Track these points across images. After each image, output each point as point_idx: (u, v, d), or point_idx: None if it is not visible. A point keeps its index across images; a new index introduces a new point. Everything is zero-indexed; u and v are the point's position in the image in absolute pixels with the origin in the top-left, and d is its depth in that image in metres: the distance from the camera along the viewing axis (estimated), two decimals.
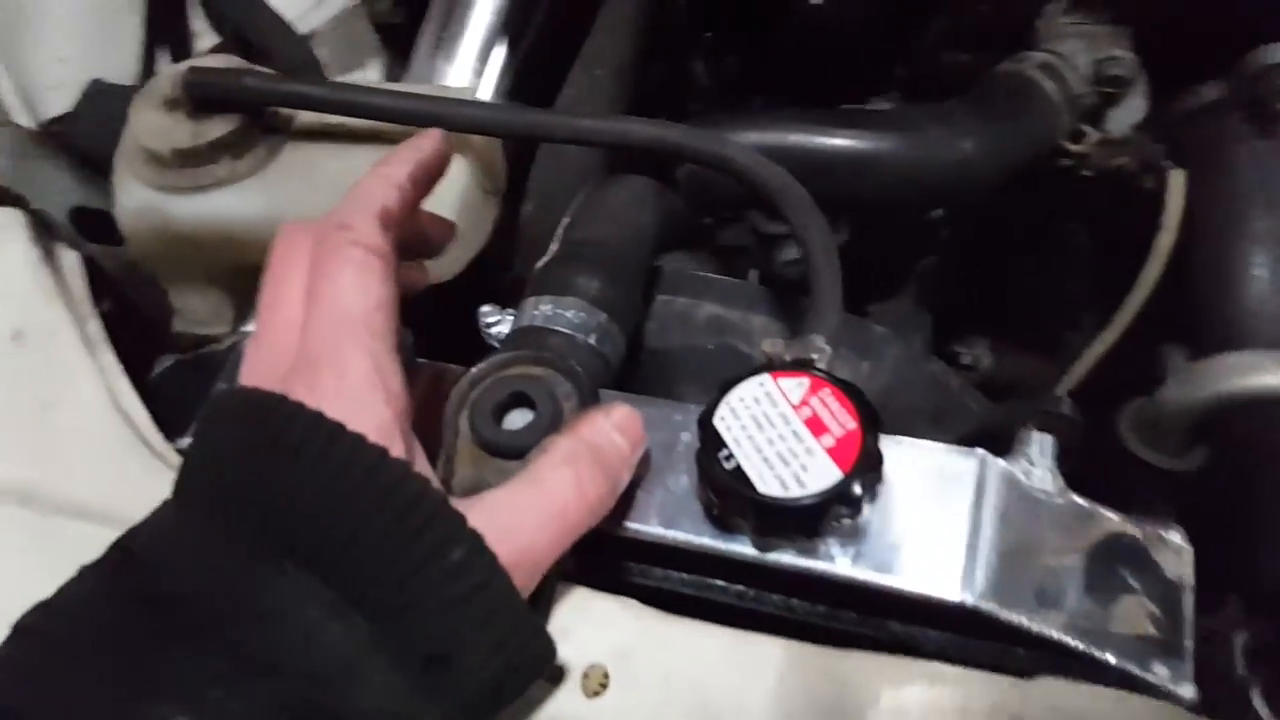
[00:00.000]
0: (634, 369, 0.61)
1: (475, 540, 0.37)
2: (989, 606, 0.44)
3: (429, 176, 0.47)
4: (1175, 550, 0.48)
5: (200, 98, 0.57)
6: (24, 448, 0.52)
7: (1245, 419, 0.52)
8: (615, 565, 0.49)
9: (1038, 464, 0.48)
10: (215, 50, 0.97)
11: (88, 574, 0.37)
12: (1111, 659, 0.44)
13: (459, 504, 0.38)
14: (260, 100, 0.57)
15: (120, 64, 0.99)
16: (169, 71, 0.60)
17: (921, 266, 0.84)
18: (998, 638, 0.45)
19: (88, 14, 1.00)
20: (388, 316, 0.41)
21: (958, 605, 0.44)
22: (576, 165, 0.74)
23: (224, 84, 0.57)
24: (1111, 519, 0.48)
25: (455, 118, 0.56)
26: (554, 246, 0.59)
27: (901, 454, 0.48)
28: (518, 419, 0.47)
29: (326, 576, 0.35)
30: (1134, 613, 0.46)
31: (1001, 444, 0.51)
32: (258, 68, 0.62)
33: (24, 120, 0.68)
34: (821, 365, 0.48)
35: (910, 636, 0.47)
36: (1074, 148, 0.65)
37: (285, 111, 0.60)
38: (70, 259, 0.61)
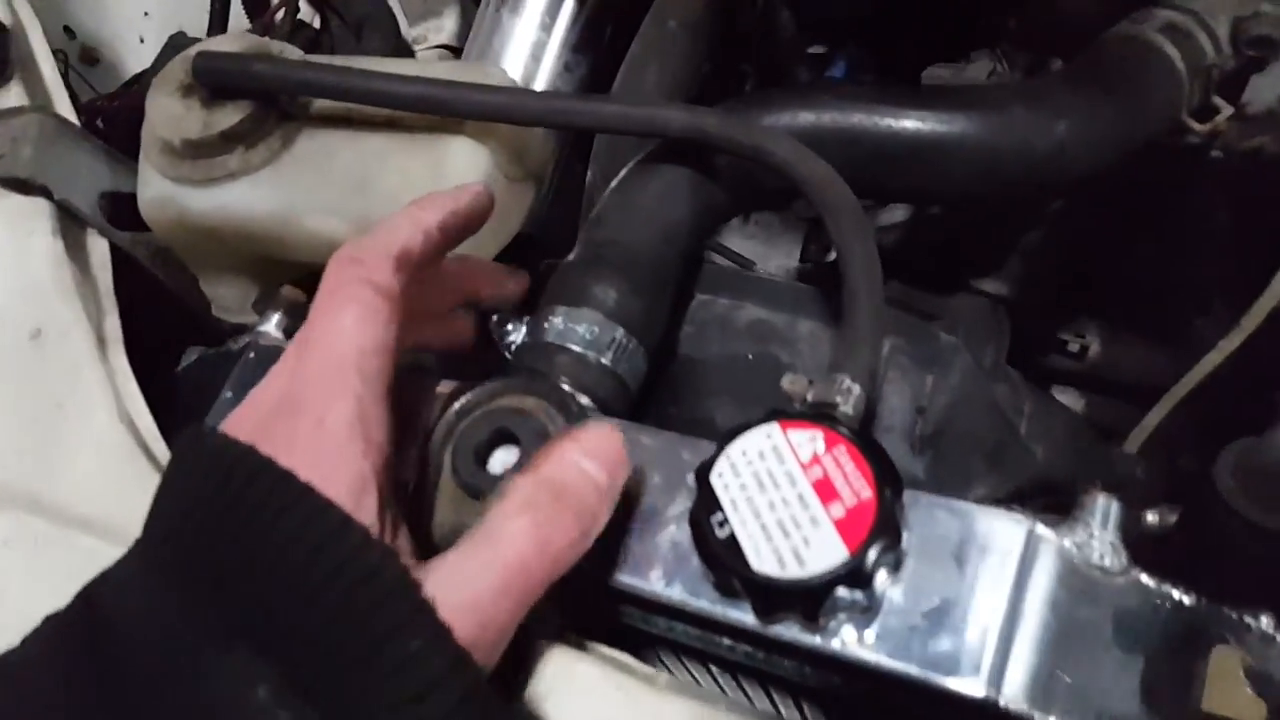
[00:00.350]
0: (663, 378, 0.56)
1: (435, 627, 0.33)
2: (1020, 707, 0.38)
3: (462, 227, 0.45)
4: (1261, 638, 0.40)
5: (211, 84, 0.54)
6: (35, 451, 0.53)
7: None
8: (614, 609, 0.45)
9: (1099, 535, 0.41)
10: (286, 2, 0.96)
11: (48, 627, 0.36)
12: None
13: (415, 571, 0.34)
14: (271, 87, 0.54)
15: (203, 17, 0.99)
16: (183, 55, 0.57)
17: (1024, 242, 0.75)
18: None
19: None
20: (384, 361, 0.39)
21: (982, 703, 0.38)
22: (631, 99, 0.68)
23: (233, 70, 0.54)
24: (1185, 602, 0.40)
25: (471, 105, 0.51)
26: (576, 247, 0.54)
27: (937, 516, 0.41)
28: (503, 459, 0.43)
29: (276, 659, 0.32)
30: (1199, 716, 0.39)
31: (1062, 498, 0.44)
32: (276, 44, 0.58)
33: (36, 38, 0.66)
34: (848, 410, 0.42)
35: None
36: (1199, 126, 0.55)
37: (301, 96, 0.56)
38: (99, 249, 0.60)
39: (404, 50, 0.93)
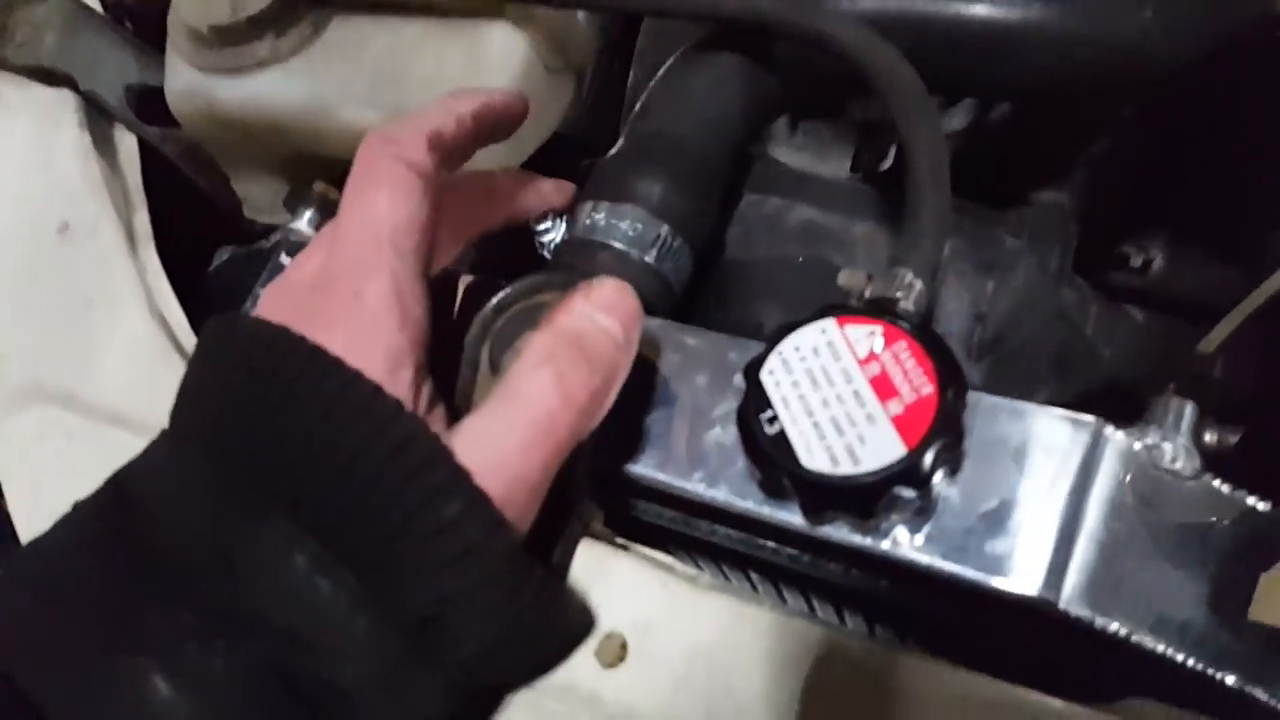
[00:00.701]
0: (709, 281, 0.54)
1: (474, 494, 0.32)
2: (1080, 610, 0.36)
3: (495, 121, 0.43)
4: None
5: None
6: (66, 348, 0.52)
7: None
8: (655, 512, 0.44)
9: (1171, 438, 0.39)
10: None
11: (80, 512, 0.35)
12: (1231, 680, 0.36)
13: (445, 438, 0.33)
14: None
15: None
16: None
17: (1088, 151, 0.71)
18: (1090, 645, 0.38)
19: None
20: (420, 239, 0.38)
21: (1037, 602, 0.37)
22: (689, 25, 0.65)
23: None
24: (1257, 508, 0.38)
25: None
26: (620, 141, 0.51)
27: (998, 416, 0.39)
28: None
29: (312, 528, 0.32)
30: (1270, 626, 0.37)
31: (1131, 403, 0.41)
32: None
33: None
34: (908, 306, 0.40)
35: (986, 628, 0.40)
36: None
37: None
38: (126, 144, 0.59)
39: None
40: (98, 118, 0.58)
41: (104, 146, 0.58)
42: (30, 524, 0.50)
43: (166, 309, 0.52)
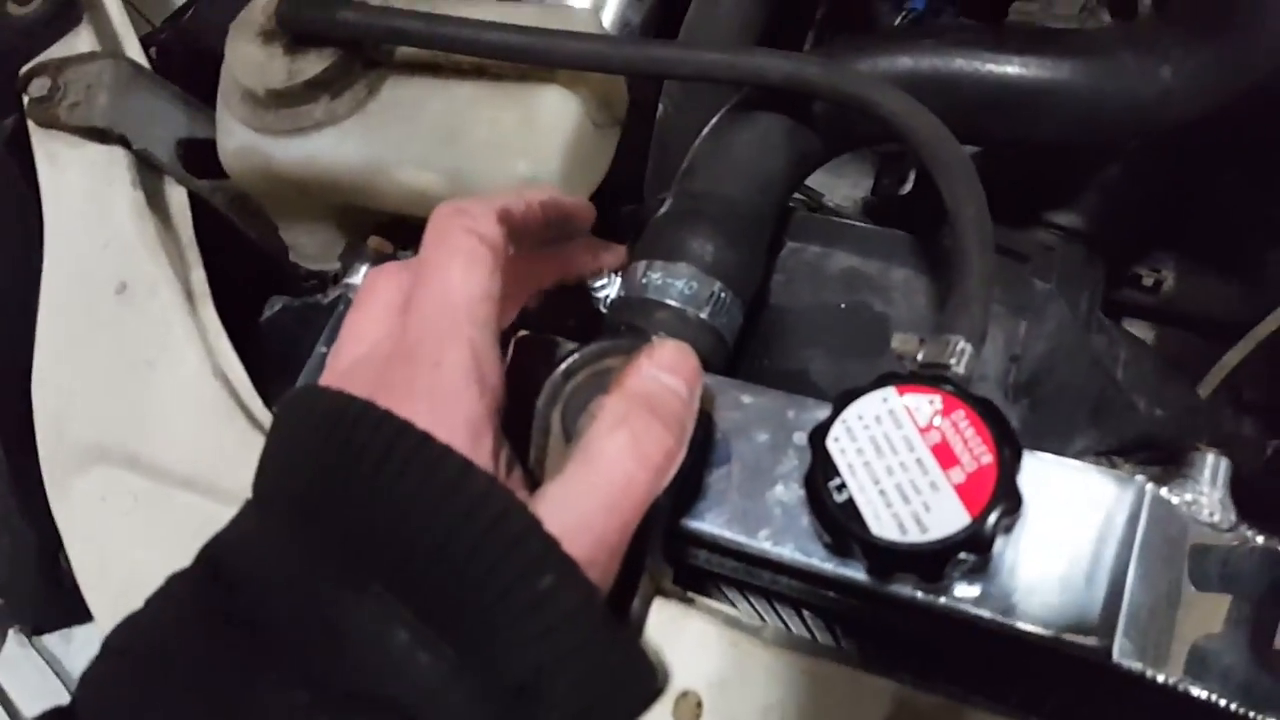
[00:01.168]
0: (754, 328, 0.56)
1: (566, 565, 0.34)
2: (1131, 661, 0.39)
3: (562, 218, 0.45)
4: None
5: (295, 31, 0.53)
6: (128, 409, 0.53)
7: None
8: (719, 564, 0.46)
9: (1208, 493, 0.42)
10: None
11: (175, 586, 0.37)
12: None
13: (529, 505, 0.35)
14: (357, 34, 0.53)
15: None
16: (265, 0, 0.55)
17: (1103, 176, 0.73)
18: (1141, 696, 0.40)
19: None
20: (492, 308, 0.39)
21: (1094, 652, 0.39)
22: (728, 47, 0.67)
23: (319, 17, 0.52)
24: None
25: (566, 53, 0.50)
26: (669, 199, 0.53)
27: (1046, 474, 0.42)
28: None
29: (410, 601, 0.34)
30: None
31: (1166, 455, 0.44)
32: None
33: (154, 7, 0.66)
34: (960, 370, 0.42)
35: (1043, 672, 0.43)
36: None
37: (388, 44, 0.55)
38: (177, 198, 0.60)
39: None
40: (149, 173, 0.60)
41: (156, 202, 0.59)
42: (98, 586, 0.52)
43: (229, 368, 0.54)
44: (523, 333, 0.51)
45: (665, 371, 0.39)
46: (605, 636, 0.36)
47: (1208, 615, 0.40)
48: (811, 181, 0.84)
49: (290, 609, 0.34)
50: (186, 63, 0.73)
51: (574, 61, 0.50)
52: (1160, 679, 0.39)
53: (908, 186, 0.79)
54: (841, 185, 0.88)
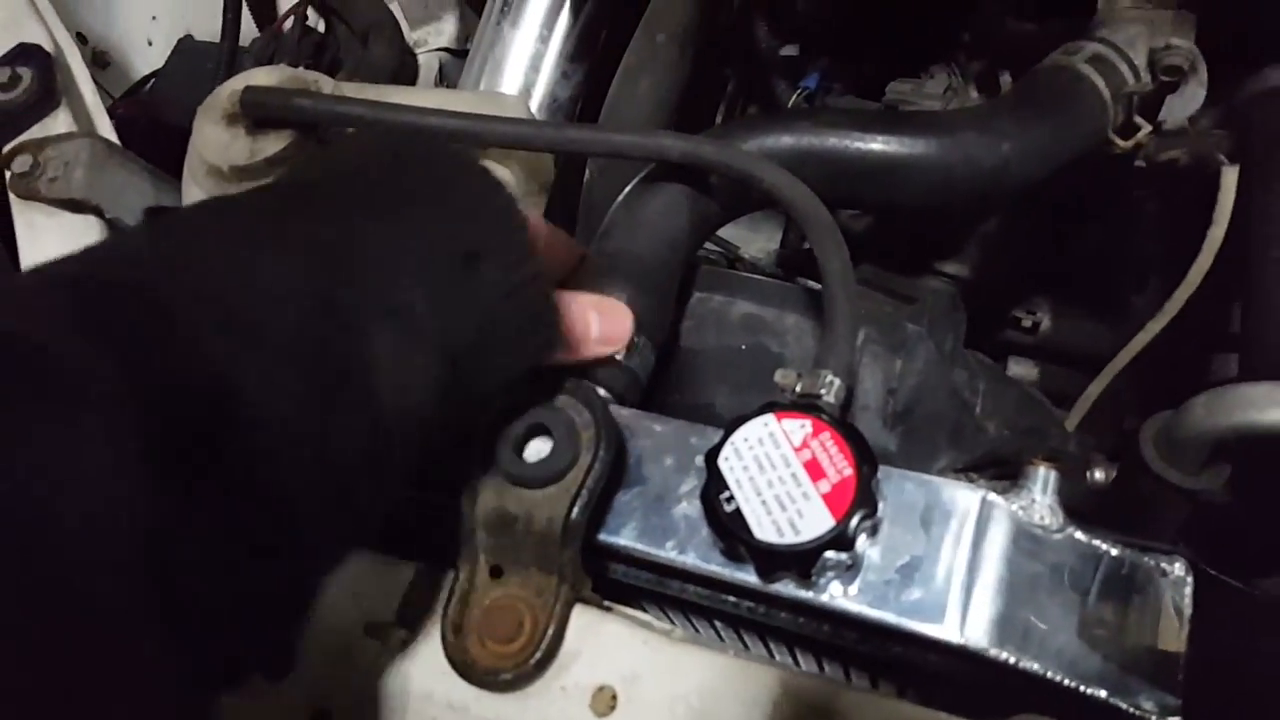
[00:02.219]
0: (667, 368, 0.63)
1: (502, 184, 0.45)
2: (978, 644, 0.46)
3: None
4: (1175, 582, 0.49)
5: (257, 116, 0.60)
6: None
7: (1260, 448, 0.52)
8: (633, 575, 0.53)
9: (1040, 500, 0.49)
10: (295, 10, 1.01)
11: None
12: (1102, 694, 0.46)
13: None
14: (313, 119, 0.60)
15: (210, 21, 1.04)
16: (228, 87, 0.62)
17: (982, 230, 0.83)
18: (992, 670, 0.47)
19: None
20: None
21: (948, 643, 0.46)
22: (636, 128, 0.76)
23: (279, 104, 0.59)
24: (1112, 553, 0.49)
25: (496, 135, 0.58)
26: (587, 258, 0.60)
27: (908, 488, 0.49)
28: (538, 448, 0.51)
29: (380, 186, 0.45)
30: (1128, 646, 0.48)
31: (1010, 470, 0.52)
32: (311, 75, 0.64)
33: (76, 63, 0.72)
34: (830, 400, 0.50)
35: (910, 658, 0.50)
36: (1123, 143, 0.63)
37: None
38: None
39: (408, 54, 0.99)
40: None
41: None
42: None
43: None
44: None
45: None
46: (530, 237, 0.45)
47: (1041, 603, 0.48)
48: (731, 236, 0.93)
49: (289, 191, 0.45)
50: (146, 134, 0.79)
51: (503, 141, 0.57)
52: (1003, 658, 0.46)
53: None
54: (757, 239, 0.97)
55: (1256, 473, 0.56)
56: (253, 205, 0.43)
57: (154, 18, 1.09)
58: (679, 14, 0.83)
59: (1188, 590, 0.48)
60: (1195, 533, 0.60)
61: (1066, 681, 0.46)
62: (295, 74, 0.64)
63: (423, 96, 0.61)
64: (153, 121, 0.96)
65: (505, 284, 0.44)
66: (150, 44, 1.09)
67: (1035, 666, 0.46)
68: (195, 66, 1.04)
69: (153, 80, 1.06)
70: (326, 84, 0.63)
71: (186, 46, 1.06)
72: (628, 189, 0.62)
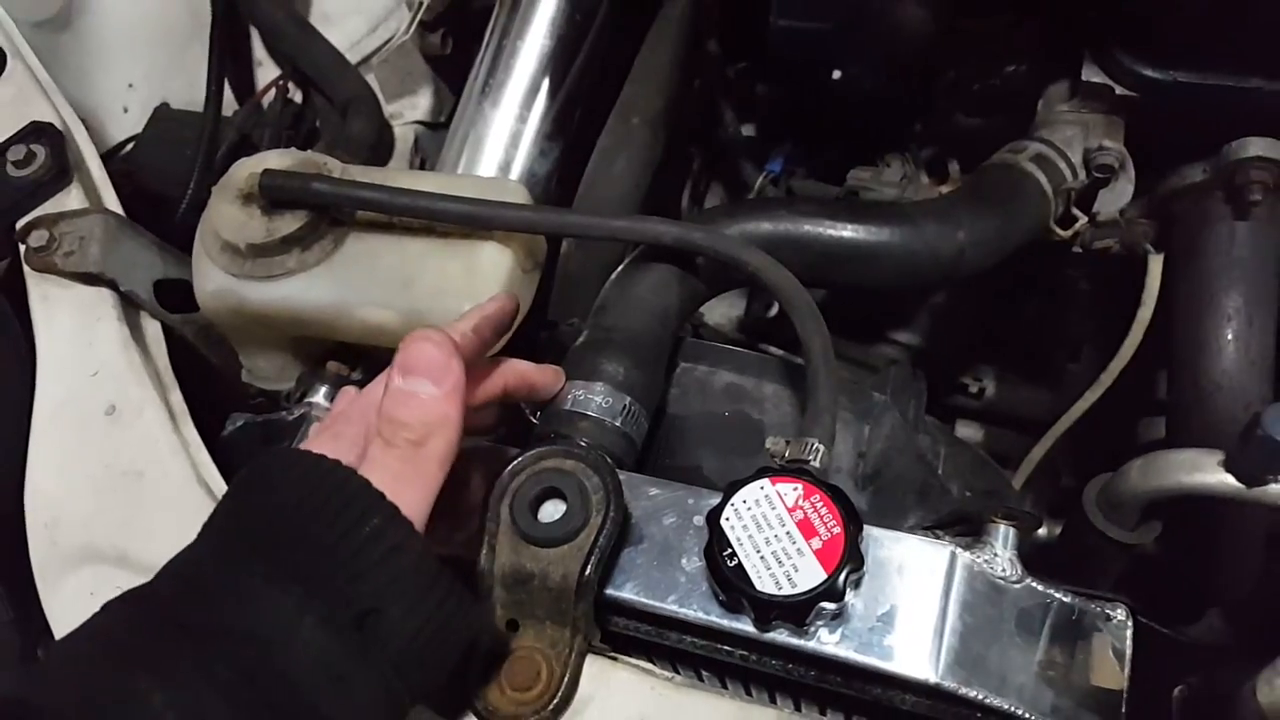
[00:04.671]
0: (656, 432, 0.68)
1: (389, 509, 0.45)
2: (950, 683, 0.52)
3: (494, 327, 0.58)
4: (1117, 626, 0.55)
5: (274, 198, 0.64)
6: (118, 514, 0.61)
7: (1186, 507, 0.59)
8: (634, 627, 0.57)
9: (1000, 554, 0.55)
10: (276, 83, 1.05)
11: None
12: None
13: None
14: (329, 202, 0.64)
15: (186, 90, 1.08)
16: (244, 168, 0.66)
17: (932, 304, 0.90)
18: (961, 707, 0.53)
19: (156, 42, 1.09)
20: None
21: (923, 683, 0.52)
22: (611, 208, 0.82)
23: (295, 187, 0.64)
24: (1064, 600, 0.55)
25: (504, 219, 0.63)
26: (585, 331, 0.66)
27: (885, 544, 0.55)
28: (552, 510, 0.55)
29: (269, 556, 0.44)
30: (1077, 684, 0.54)
31: (972, 527, 0.58)
32: (319, 157, 0.68)
33: (83, 139, 0.75)
34: (817, 464, 0.56)
35: (889, 699, 0.55)
36: (1062, 232, 0.71)
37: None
38: (153, 330, 0.70)
39: (386, 128, 1.03)
40: (129, 308, 0.69)
41: (137, 334, 0.68)
42: None
43: (210, 479, 0.63)
44: (472, 441, 0.62)
45: (407, 375, 0.49)
46: (429, 567, 0.46)
47: (1004, 645, 0.53)
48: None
49: (183, 586, 0.46)
50: (126, 200, 0.81)
51: (510, 225, 0.62)
52: (973, 695, 0.52)
53: (774, 311, 0.95)
54: (720, 306, 1.03)
55: (1184, 528, 0.63)
56: (143, 632, 0.44)
57: (130, 85, 1.11)
58: (652, 100, 0.89)
59: (1128, 634, 0.55)
60: (1131, 584, 0.67)
61: (1028, 716, 0.52)
62: (306, 157, 0.68)
63: (428, 181, 0.66)
64: (132, 187, 0.99)
65: (409, 626, 0.45)
66: (126, 111, 1.11)
67: (1000, 703, 0.52)
68: (172, 134, 1.06)
69: (129, 146, 1.08)
70: (335, 166, 0.68)
71: (163, 114, 1.08)
72: (620, 268, 0.67)
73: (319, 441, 0.50)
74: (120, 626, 0.44)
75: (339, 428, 0.53)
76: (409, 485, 0.47)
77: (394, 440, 0.48)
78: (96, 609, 0.47)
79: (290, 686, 0.42)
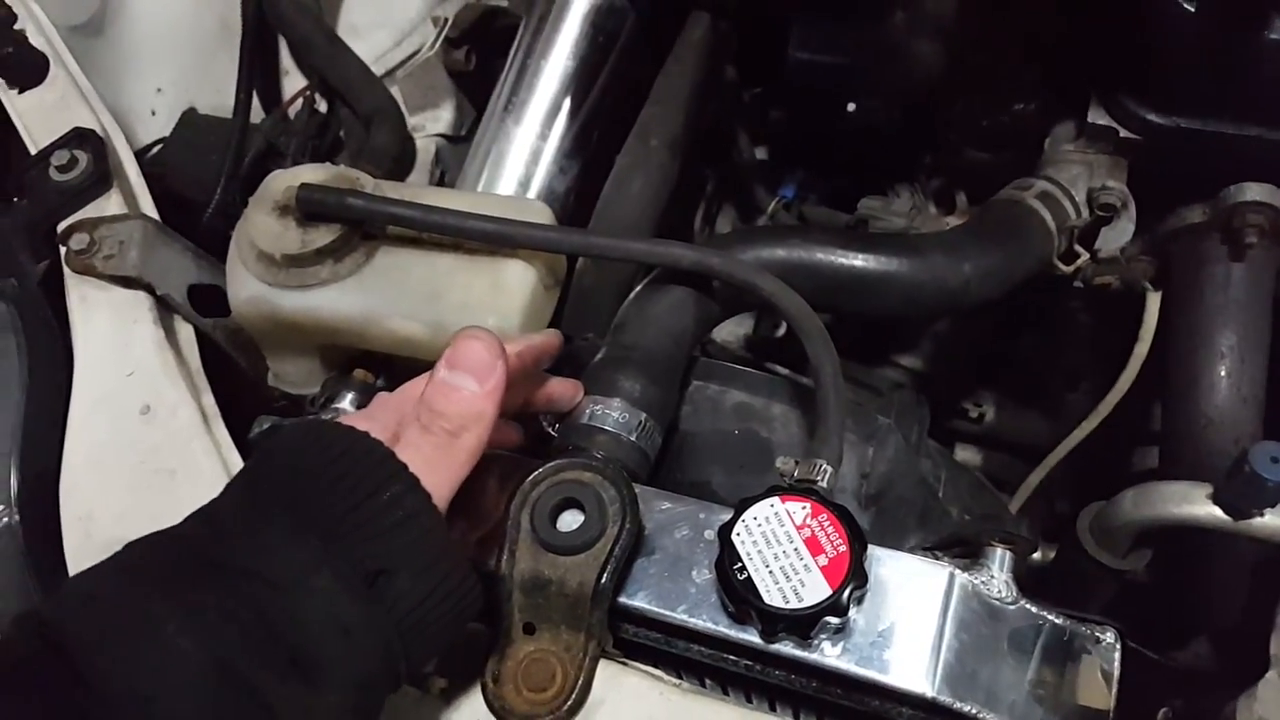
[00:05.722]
0: (669, 448, 0.71)
1: (410, 479, 0.48)
2: (945, 698, 0.54)
3: (536, 357, 0.62)
4: (1105, 648, 0.58)
5: (310, 211, 0.67)
6: (153, 509, 0.63)
7: (1176, 536, 0.62)
8: (645, 635, 0.60)
9: (997, 576, 0.58)
10: (303, 93, 1.08)
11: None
12: None
13: None
14: (364, 217, 0.67)
15: (213, 96, 1.10)
16: (280, 181, 0.69)
17: (935, 330, 0.93)
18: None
19: (185, 49, 1.12)
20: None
21: (920, 696, 0.54)
22: (627, 227, 0.84)
23: (332, 202, 0.66)
24: (1056, 622, 0.57)
25: (530, 239, 0.65)
26: (604, 348, 0.68)
27: (887, 563, 0.57)
28: (570, 520, 0.57)
29: (293, 511, 0.47)
30: (1066, 702, 0.56)
31: (971, 549, 0.60)
32: (352, 172, 0.71)
33: (121, 145, 0.78)
34: (824, 484, 0.58)
35: (886, 711, 0.57)
36: (1065, 268, 0.74)
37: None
38: (186, 333, 0.72)
39: (409, 140, 1.06)
40: (164, 312, 0.71)
41: (171, 337, 0.71)
42: None
43: None
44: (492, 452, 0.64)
45: (453, 370, 0.52)
46: (441, 539, 0.49)
47: (997, 663, 0.56)
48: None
49: (202, 525, 0.49)
50: (155, 201, 0.84)
51: (536, 245, 0.65)
52: (967, 710, 0.54)
53: (781, 331, 0.98)
54: (729, 324, 1.06)
55: (1174, 556, 0.65)
56: (163, 565, 0.47)
57: (159, 89, 1.14)
58: (670, 122, 0.92)
59: (1116, 656, 0.58)
60: (1122, 608, 0.69)
61: None
62: (340, 172, 0.71)
63: (456, 199, 0.69)
64: (159, 190, 1.02)
65: (417, 591, 0.48)
66: (154, 114, 1.14)
67: (992, 718, 0.54)
68: (200, 139, 1.09)
69: (157, 148, 1.11)
70: (368, 182, 0.70)
71: (191, 119, 1.11)
72: (639, 288, 0.70)
73: (352, 419, 0.52)
74: (142, 559, 0.47)
75: (373, 411, 0.56)
76: (437, 470, 0.50)
77: (431, 427, 0.51)
78: None
79: (299, 631, 0.45)
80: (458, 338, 0.53)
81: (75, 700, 0.41)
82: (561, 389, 0.65)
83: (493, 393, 0.52)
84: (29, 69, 0.79)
